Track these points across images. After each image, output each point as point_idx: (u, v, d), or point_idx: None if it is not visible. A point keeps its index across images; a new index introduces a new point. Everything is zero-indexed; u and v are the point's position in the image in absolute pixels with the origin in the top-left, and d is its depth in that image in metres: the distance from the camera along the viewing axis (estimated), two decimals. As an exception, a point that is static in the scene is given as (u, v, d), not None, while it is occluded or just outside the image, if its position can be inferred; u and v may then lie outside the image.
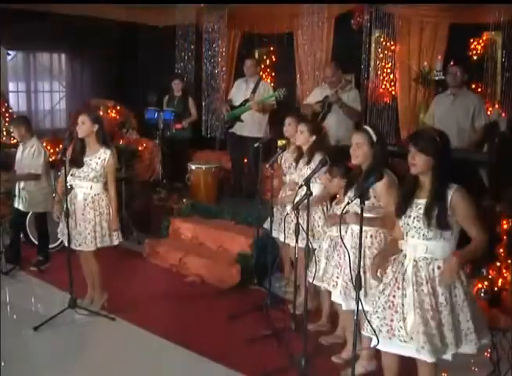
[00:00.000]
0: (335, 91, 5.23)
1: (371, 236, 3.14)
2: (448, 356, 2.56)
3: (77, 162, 4.00)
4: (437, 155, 2.54)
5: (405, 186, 2.75)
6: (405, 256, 2.67)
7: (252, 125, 6.06)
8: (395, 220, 2.79)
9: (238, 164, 6.35)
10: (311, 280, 3.45)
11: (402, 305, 2.58)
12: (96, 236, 4.01)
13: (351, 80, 6.17)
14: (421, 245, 2.60)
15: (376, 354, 3.12)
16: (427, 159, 2.55)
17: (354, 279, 2.68)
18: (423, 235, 2.58)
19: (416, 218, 2.59)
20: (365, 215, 2.69)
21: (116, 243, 4.16)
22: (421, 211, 2.57)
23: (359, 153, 3.11)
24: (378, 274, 2.77)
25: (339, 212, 3.44)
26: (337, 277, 3.26)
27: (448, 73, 5.06)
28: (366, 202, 2.70)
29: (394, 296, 2.63)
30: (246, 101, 6.04)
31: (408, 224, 2.63)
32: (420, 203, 2.60)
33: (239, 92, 6.18)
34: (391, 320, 2.60)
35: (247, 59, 6.26)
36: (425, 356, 2.52)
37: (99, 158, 3.99)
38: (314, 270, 3.33)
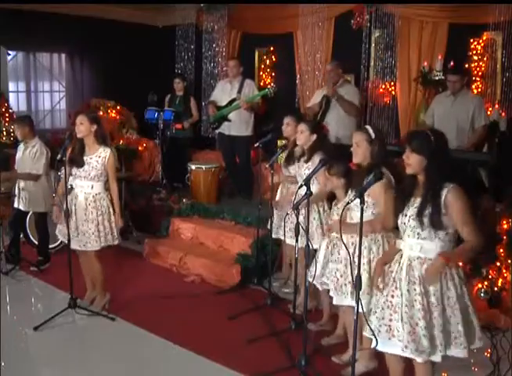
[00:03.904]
0: (332, 85, 5.27)
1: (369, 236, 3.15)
2: (437, 358, 2.54)
3: (78, 162, 4.01)
4: (430, 155, 2.54)
5: (403, 185, 2.75)
6: (401, 256, 2.68)
7: (240, 124, 6.09)
8: (387, 222, 2.86)
9: (231, 164, 6.37)
10: (311, 280, 3.45)
11: (401, 304, 2.58)
12: (100, 235, 4.02)
13: (350, 80, 6.17)
14: (416, 244, 2.59)
15: (377, 353, 3.12)
16: (420, 159, 2.56)
17: (354, 278, 2.69)
18: (418, 234, 2.57)
19: (412, 217, 2.59)
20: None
21: (116, 242, 4.17)
22: (416, 210, 2.57)
23: (358, 152, 3.13)
24: (379, 283, 2.72)
25: (337, 213, 3.48)
26: (335, 273, 3.30)
27: (447, 80, 5.06)
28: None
29: (392, 296, 2.63)
30: (232, 101, 6.05)
31: (404, 223, 2.64)
32: (416, 202, 2.60)
33: (224, 93, 6.19)
34: (390, 320, 2.60)
35: (230, 60, 6.30)
36: (410, 355, 2.53)
37: (100, 157, 4.01)
38: (314, 270, 3.33)
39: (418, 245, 2.58)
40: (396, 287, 2.62)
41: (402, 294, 2.58)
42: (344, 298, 3.20)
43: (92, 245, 4.03)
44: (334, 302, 3.29)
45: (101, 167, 4.00)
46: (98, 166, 3.99)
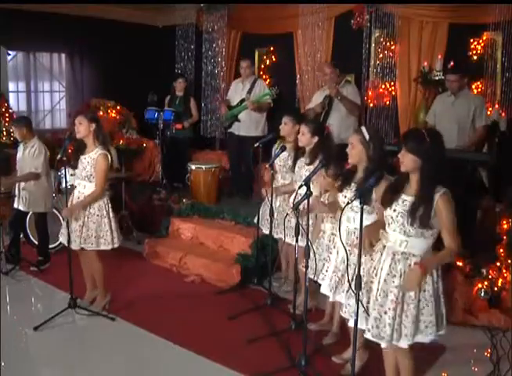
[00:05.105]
0: (334, 85, 5.28)
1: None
2: (403, 344, 2.66)
3: (75, 162, 4.01)
4: (424, 156, 2.56)
5: (395, 180, 2.79)
6: (384, 247, 2.75)
7: (250, 125, 6.11)
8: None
9: (236, 164, 6.36)
10: (311, 277, 3.45)
11: (375, 291, 2.72)
12: (82, 235, 3.96)
13: (350, 80, 6.17)
14: (401, 240, 2.65)
15: (370, 345, 3.16)
16: (414, 158, 2.58)
17: (353, 278, 2.69)
18: (405, 231, 2.63)
19: (401, 214, 2.64)
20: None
21: (103, 248, 4.03)
22: (406, 208, 2.62)
23: (353, 153, 3.13)
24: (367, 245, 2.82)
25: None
26: (327, 270, 3.34)
27: (446, 79, 5.07)
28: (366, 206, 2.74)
29: (371, 282, 2.75)
30: (242, 101, 6.09)
31: (391, 217, 2.69)
32: (406, 199, 2.64)
33: (236, 93, 6.25)
34: (368, 302, 2.75)
35: (242, 61, 6.31)
36: (372, 338, 2.70)
37: (91, 157, 3.96)
38: (314, 269, 3.33)
39: (404, 242, 2.65)
40: (376, 274, 2.73)
41: (378, 282, 2.69)
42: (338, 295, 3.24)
43: (72, 245, 4.00)
44: (330, 299, 3.34)
45: (90, 168, 3.94)
46: (87, 167, 3.95)
